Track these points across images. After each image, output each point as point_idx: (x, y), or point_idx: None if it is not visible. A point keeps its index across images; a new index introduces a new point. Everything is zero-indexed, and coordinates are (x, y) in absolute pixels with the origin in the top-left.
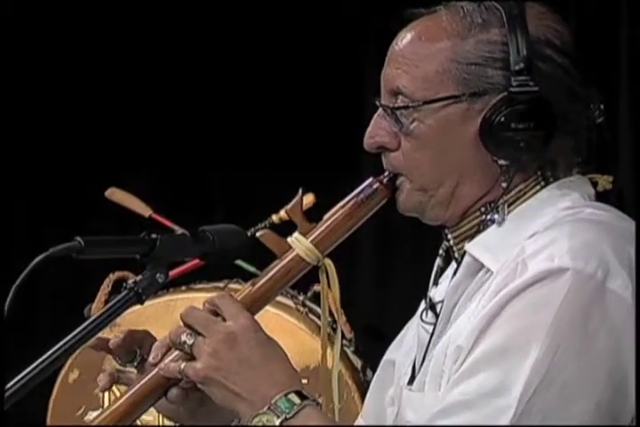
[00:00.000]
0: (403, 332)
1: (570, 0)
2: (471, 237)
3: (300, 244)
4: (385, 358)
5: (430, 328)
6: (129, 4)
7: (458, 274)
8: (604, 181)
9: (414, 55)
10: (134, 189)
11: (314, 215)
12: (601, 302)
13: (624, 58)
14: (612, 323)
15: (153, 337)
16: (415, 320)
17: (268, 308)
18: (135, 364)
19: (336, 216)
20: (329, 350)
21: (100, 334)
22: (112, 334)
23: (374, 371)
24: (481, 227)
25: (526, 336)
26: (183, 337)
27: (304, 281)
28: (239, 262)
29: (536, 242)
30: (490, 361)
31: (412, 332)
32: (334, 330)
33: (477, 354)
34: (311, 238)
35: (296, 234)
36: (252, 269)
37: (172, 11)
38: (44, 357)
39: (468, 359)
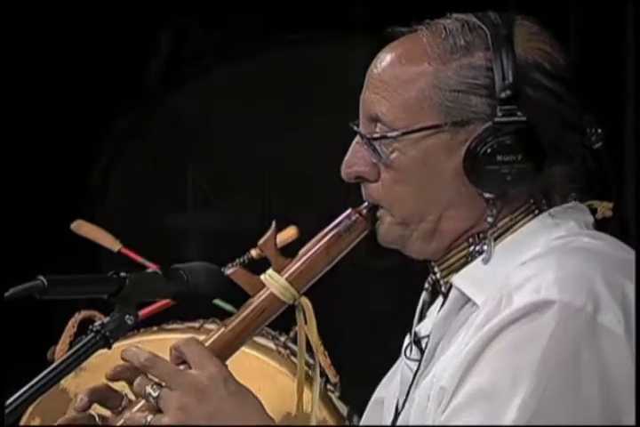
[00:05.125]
0: (393, 368)
1: (571, 15)
2: (458, 269)
3: (274, 281)
4: (374, 396)
5: (414, 365)
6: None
7: (444, 308)
8: (604, 208)
9: (394, 80)
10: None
11: (291, 250)
12: (591, 337)
13: (630, 78)
14: (604, 361)
15: (115, 391)
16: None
17: (246, 350)
18: None
19: (313, 251)
20: (308, 395)
21: (64, 380)
22: (77, 379)
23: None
24: (468, 258)
25: (511, 377)
26: (148, 389)
27: (285, 321)
28: (216, 301)
29: (522, 272)
30: (475, 404)
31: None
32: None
33: (462, 396)
34: (286, 275)
35: (270, 271)
36: (229, 307)
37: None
38: (4, 405)
39: (453, 402)
